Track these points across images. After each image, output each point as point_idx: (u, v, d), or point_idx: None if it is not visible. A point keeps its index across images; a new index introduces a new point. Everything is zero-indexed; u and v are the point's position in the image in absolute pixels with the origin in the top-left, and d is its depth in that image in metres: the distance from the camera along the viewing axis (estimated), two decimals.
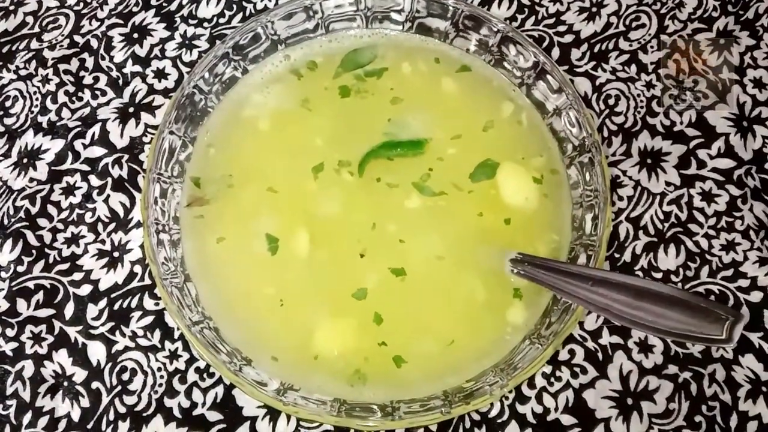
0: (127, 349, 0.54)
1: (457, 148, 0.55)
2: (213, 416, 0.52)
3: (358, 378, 0.48)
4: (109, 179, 0.60)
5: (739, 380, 0.51)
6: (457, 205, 0.53)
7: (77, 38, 0.67)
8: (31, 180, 0.61)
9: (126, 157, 0.61)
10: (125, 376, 0.53)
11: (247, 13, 0.66)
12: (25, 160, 0.62)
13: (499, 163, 0.54)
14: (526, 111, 0.56)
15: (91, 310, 0.56)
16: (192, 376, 0.53)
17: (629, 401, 0.51)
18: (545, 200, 0.53)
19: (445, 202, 0.53)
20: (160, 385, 0.53)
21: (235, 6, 0.66)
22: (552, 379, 0.52)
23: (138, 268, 0.57)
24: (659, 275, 0.54)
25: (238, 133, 0.56)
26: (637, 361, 0.52)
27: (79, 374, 0.54)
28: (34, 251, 0.58)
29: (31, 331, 0.55)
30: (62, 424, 0.53)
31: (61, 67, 0.65)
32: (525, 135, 0.55)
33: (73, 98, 0.64)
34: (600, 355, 0.52)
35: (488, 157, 0.54)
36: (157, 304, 0.55)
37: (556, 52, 0.62)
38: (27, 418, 0.53)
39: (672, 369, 0.51)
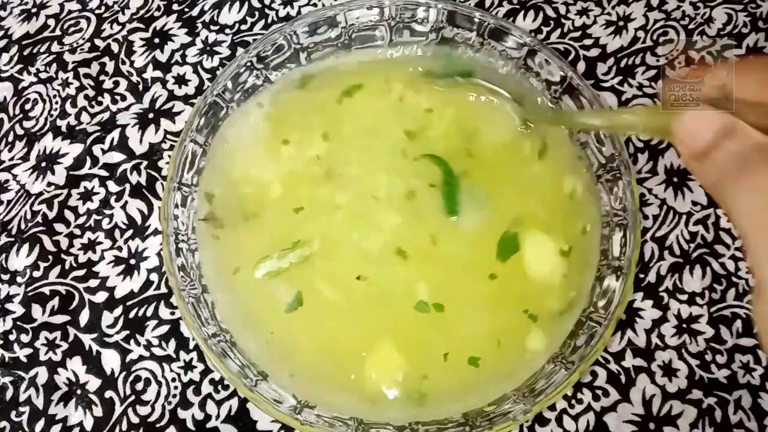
0: (141, 358, 0.54)
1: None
2: (227, 429, 0.51)
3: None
4: (128, 185, 0.60)
5: (766, 407, 0.49)
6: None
7: (98, 42, 0.66)
8: (49, 184, 0.60)
9: (145, 163, 0.60)
10: (139, 386, 0.53)
11: (269, 20, 0.65)
12: (43, 164, 0.61)
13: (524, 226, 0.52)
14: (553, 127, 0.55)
15: (107, 318, 0.55)
16: (206, 388, 0.52)
17: (651, 426, 0.50)
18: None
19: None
20: (174, 396, 0.52)
21: (257, 13, 0.66)
22: (573, 401, 0.51)
23: (154, 276, 0.56)
24: (684, 297, 0.53)
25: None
26: (660, 384, 0.51)
27: (93, 382, 0.53)
28: (50, 256, 0.58)
29: (46, 338, 0.55)
30: None
31: (82, 70, 0.65)
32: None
33: (93, 102, 0.63)
34: (623, 377, 0.51)
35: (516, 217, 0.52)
36: (172, 314, 0.55)
37: (581, 66, 0.61)
38: (40, 425, 0.53)
39: (696, 394, 0.50)
